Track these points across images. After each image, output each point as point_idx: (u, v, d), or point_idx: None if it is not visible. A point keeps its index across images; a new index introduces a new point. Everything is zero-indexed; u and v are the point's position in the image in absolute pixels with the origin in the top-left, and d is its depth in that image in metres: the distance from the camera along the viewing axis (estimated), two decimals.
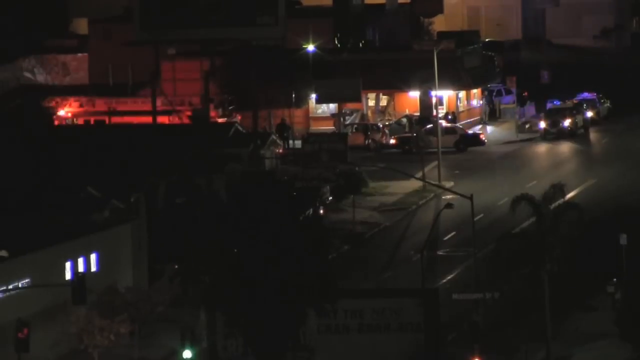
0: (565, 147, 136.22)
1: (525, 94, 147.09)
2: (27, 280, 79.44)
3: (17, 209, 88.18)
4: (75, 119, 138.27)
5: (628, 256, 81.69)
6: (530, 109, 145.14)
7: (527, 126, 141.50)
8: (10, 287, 78.29)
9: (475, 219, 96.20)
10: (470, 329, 74.75)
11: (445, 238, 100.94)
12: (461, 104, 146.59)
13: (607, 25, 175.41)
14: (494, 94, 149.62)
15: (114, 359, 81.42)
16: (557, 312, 78.76)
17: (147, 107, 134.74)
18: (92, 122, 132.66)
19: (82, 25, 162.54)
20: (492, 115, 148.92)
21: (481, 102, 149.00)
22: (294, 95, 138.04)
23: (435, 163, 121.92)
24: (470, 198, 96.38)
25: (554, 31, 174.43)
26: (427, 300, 69.58)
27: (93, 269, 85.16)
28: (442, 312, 70.75)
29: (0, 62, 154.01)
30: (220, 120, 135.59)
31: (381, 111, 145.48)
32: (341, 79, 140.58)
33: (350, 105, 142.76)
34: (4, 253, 79.32)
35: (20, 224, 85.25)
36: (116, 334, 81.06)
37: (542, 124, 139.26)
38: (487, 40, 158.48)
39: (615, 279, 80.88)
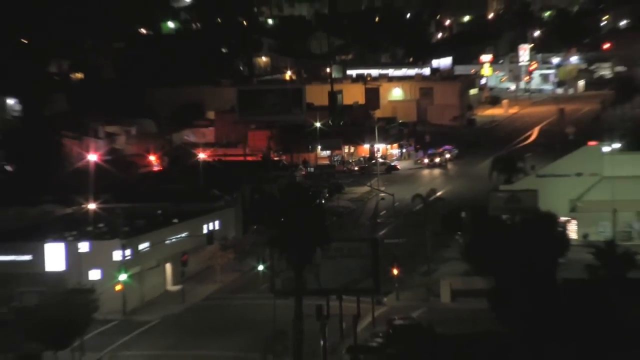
0: (436, 172, 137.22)
1: (418, 145, 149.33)
2: (185, 234, 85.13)
3: (175, 201, 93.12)
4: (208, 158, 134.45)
5: (466, 222, 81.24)
6: (420, 153, 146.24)
7: (418, 161, 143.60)
8: (180, 236, 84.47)
9: (395, 204, 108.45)
10: (393, 256, 77.68)
11: (381, 214, 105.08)
12: (390, 151, 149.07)
13: (455, 114, 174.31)
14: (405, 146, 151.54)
15: (226, 270, 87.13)
16: (434, 247, 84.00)
17: (241, 152, 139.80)
18: (216, 159, 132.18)
19: (211, 114, 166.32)
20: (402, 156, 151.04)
21: (398, 150, 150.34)
22: (310, 147, 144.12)
23: (376, 178, 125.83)
24: (392, 195, 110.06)
25: (431, 117, 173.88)
26: (373, 243, 68.28)
27: (217, 228, 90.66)
28: (380, 249, 68.91)
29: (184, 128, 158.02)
30: (275, 158, 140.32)
31: (351, 154, 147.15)
32: (332, 139, 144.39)
33: (336, 151, 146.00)
34: (175, 220, 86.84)
35: (179, 209, 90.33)
36: (227, 258, 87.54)
37: (426, 160, 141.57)
38: (400, 121, 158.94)
39: (459, 232, 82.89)
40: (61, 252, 76.64)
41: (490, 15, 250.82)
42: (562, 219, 79.62)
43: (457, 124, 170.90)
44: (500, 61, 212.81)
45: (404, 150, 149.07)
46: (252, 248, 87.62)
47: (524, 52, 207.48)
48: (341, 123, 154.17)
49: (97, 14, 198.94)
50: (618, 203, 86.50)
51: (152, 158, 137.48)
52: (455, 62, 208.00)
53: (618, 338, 53.39)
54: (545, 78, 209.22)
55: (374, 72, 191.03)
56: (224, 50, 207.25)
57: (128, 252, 76.34)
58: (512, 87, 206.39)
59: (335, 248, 63.02)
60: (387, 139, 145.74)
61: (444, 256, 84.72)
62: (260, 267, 76.89)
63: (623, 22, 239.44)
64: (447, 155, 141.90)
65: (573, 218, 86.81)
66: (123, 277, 74.69)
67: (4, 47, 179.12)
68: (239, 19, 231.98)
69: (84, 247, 77.03)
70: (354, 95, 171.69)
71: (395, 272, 76.19)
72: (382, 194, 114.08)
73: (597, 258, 63.17)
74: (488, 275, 64.81)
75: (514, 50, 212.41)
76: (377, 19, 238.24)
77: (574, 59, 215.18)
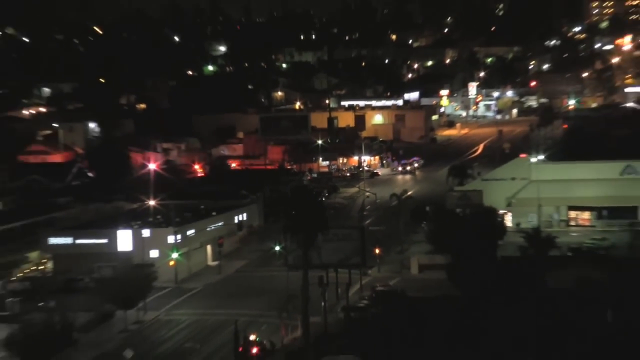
0: (407, 177, 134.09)
1: (394, 157, 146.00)
2: (221, 223, 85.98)
3: (214, 198, 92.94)
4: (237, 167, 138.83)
5: (429, 214, 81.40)
6: (396, 163, 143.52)
7: (394, 169, 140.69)
8: (217, 225, 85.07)
9: (377, 201, 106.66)
10: (376, 239, 77.10)
11: (367, 208, 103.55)
12: (373, 161, 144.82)
13: (422, 134, 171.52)
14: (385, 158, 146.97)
15: (250, 249, 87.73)
16: (405, 233, 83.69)
17: (262, 163, 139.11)
18: (244, 168, 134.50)
19: (240, 134, 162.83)
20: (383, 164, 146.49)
21: (379, 161, 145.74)
22: (313, 158, 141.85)
23: (362, 182, 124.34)
24: (375, 194, 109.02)
25: (404, 136, 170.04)
26: (360, 230, 67.37)
27: (245, 219, 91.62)
28: (365, 234, 67.66)
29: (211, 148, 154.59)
30: (288, 167, 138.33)
31: (344, 164, 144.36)
32: (330, 153, 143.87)
33: (333, 162, 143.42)
34: (214, 213, 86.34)
35: (216, 205, 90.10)
36: (252, 241, 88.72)
37: (399, 168, 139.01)
38: (380, 139, 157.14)
39: (424, 222, 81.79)
40: (129, 236, 76.37)
41: (447, 61, 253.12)
42: (501, 211, 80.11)
43: (422, 141, 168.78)
44: (455, 95, 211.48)
45: (383, 161, 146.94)
46: (270, 233, 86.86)
47: (472, 88, 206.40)
48: (337, 141, 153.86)
49: (156, 61, 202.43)
50: (542, 200, 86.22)
51: (197, 167, 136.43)
52: (421, 95, 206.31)
53: (541, 298, 53.12)
54: (488, 107, 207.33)
55: (361, 103, 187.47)
56: (250, 86, 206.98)
57: (179, 236, 76.27)
58: (464, 114, 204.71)
59: (333, 233, 61.73)
60: (371, 152, 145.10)
61: (413, 239, 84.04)
62: (277, 248, 76.23)
63: (545, 66, 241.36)
64: (416, 165, 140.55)
65: (509, 211, 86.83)
66: (175, 255, 74.63)
67: (88, 86, 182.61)
68: (261, 63, 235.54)
69: (146, 233, 76.52)
70: (346, 120, 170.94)
71: (377, 251, 75.58)
72: (367, 194, 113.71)
73: (527, 241, 63.07)
74: (446, 254, 65.06)
75: (464, 86, 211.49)
76: (363, 64, 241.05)
77: (509, 93, 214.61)
